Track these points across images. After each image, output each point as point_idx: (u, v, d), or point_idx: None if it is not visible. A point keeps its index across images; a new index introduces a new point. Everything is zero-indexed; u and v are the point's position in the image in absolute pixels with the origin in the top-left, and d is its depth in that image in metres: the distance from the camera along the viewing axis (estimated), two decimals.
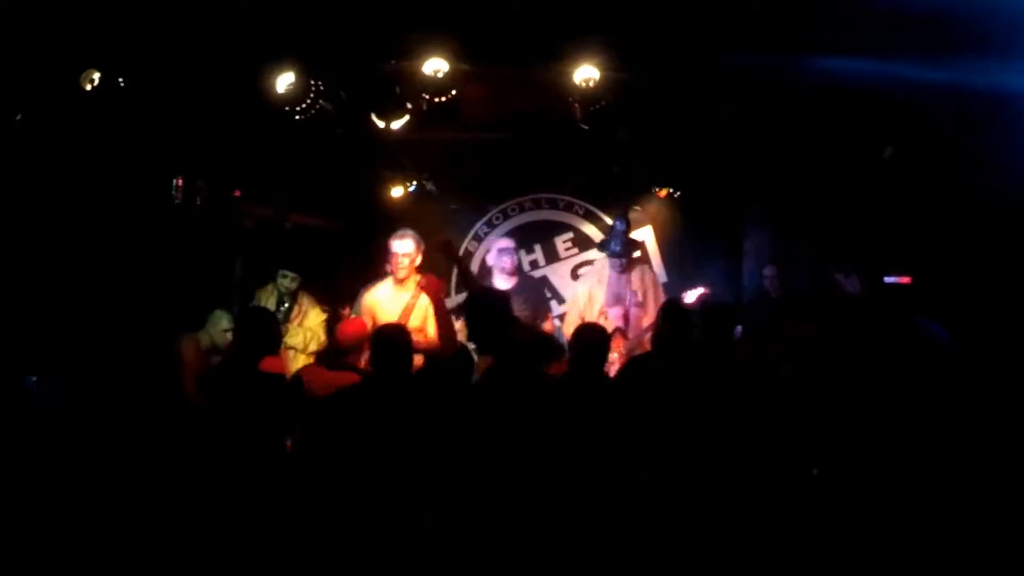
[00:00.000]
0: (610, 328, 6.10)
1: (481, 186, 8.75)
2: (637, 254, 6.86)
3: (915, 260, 6.70)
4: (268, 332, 4.59)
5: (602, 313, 6.39)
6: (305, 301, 6.58)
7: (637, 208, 8.64)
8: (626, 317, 6.26)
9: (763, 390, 4.20)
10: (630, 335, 6.21)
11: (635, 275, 6.46)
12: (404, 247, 5.69)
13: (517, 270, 6.86)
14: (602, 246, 6.62)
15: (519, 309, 5.98)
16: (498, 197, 9.00)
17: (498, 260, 6.73)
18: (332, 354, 5.30)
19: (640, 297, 6.35)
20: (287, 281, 6.45)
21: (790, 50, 5.41)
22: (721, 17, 5.32)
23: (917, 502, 3.93)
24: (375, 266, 6.81)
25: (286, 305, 6.46)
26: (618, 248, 6.37)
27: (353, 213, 8.27)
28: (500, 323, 4.26)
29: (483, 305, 4.48)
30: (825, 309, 6.36)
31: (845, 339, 4.96)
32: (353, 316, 5.77)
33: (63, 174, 5.81)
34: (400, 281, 5.76)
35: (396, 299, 5.75)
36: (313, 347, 6.44)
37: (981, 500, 3.88)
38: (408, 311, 5.65)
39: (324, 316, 6.65)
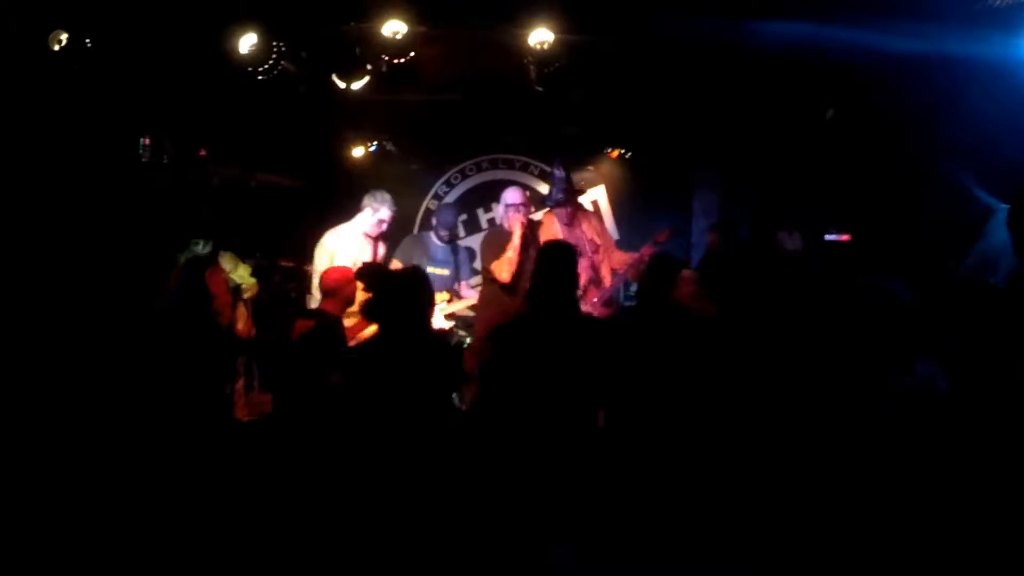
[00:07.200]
0: (582, 281, 5.98)
1: (440, 147, 8.97)
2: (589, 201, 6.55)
3: (855, 218, 6.96)
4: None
5: None
6: (227, 259, 6.79)
7: (590, 168, 8.91)
8: (592, 266, 6.07)
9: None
10: (604, 283, 6.09)
11: (584, 223, 6.24)
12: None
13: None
14: (548, 199, 6.27)
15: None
16: (456, 157, 9.24)
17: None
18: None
19: (598, 240, 6.22)
20: (200, 248, 6.62)
21: (736, 15, 5.59)
22: None
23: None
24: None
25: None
26: (561, 196, 6.04)
27: (316, 172, 8.43)
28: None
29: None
30: (767, 264, 6.66)
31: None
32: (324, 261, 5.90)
33: (32, 134, 5.86)
34: (369, 236, 6.08)
35: (363, 248, 6.03)
36: (248, 296, 6.67)
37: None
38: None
39: (250, 267, 6.89)
